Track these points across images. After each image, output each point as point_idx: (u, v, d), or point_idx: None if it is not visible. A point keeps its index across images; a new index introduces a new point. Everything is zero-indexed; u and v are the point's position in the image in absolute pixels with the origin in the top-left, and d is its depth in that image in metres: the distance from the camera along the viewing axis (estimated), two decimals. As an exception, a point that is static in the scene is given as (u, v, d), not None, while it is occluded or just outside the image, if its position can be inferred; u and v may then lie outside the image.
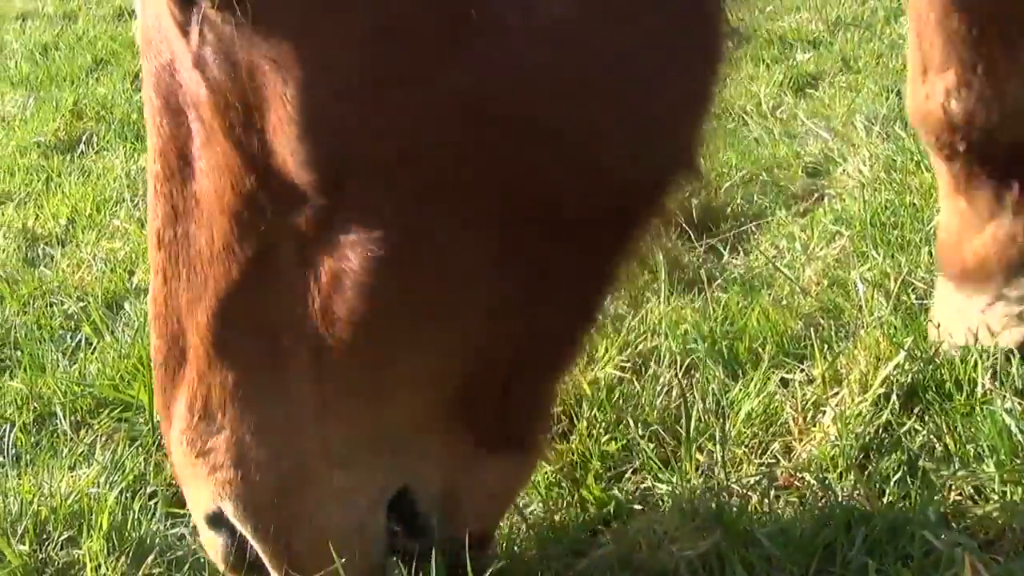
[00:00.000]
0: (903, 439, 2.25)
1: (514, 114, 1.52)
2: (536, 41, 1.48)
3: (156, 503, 2.36)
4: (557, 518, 2.12)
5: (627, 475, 2.28)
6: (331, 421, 1.62)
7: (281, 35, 1.44)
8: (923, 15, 2.50)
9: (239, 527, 1.64)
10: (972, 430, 2.24)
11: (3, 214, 4.38)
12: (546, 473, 2.24)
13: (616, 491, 2.21)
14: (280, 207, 1.53)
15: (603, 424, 2.38)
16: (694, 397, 2.44)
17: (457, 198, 1.55)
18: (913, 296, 2.82)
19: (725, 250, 3.29)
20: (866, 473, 2.16)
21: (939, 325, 2.59)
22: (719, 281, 3.09)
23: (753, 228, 3.40)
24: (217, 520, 1.66)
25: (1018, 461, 2.13)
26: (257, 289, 1.57)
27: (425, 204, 1.54)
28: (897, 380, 2.38)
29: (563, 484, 2.22)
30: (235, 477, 1.61)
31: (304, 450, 1.63)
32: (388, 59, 1.47)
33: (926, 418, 2.32)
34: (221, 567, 1.75)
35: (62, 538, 2.24)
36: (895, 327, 2.63)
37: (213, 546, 1.72)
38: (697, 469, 2.22)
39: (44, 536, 2.25)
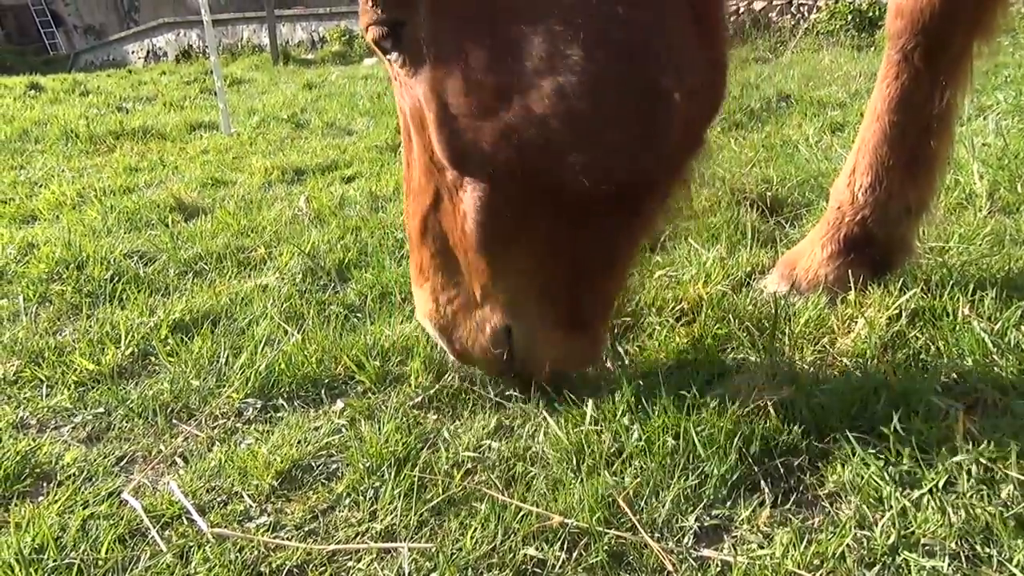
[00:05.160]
0: (910, 341, 2.06)
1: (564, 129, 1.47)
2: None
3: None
4: (688, 370, 2.03)
5: (729, 350, 2.16)
6: (477, 282, 1.70)
7: (425, 82, 1.53)
8: (865, 139, 2.35)
9: (430, 332, 1.84)
10: (955, 339, 2.04)
11: (359, 184, 4.46)
12: (678, 343, 2.16)
13: (723, 357, 2.10)
14: (440, 170, 1.62)
15: (714, 317, 2.26)
16: (773, 306, 2.29)
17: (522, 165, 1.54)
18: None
19: (786, 224, 3.10)
20: (885, 359, 1.99)
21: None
22: (784, 242, 2.91)
23: (804, 211, 3.19)
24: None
25: (986, 359, 1.93)
26: (436, 213, 1.70)
27: (506, 176, 1.53)
28: (906, 305, 2.18)
29: (689, 350, 2.13)
30: (432, 310, 1.80)
31: (467, 297, 1.75)
32: (488, 96, 1.47)
33: (924, 330, 2.11)
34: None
35: (397, 359, 2.26)
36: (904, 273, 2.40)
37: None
38: (776, 350, 2.09)
39: (385, 358, 2.28)
